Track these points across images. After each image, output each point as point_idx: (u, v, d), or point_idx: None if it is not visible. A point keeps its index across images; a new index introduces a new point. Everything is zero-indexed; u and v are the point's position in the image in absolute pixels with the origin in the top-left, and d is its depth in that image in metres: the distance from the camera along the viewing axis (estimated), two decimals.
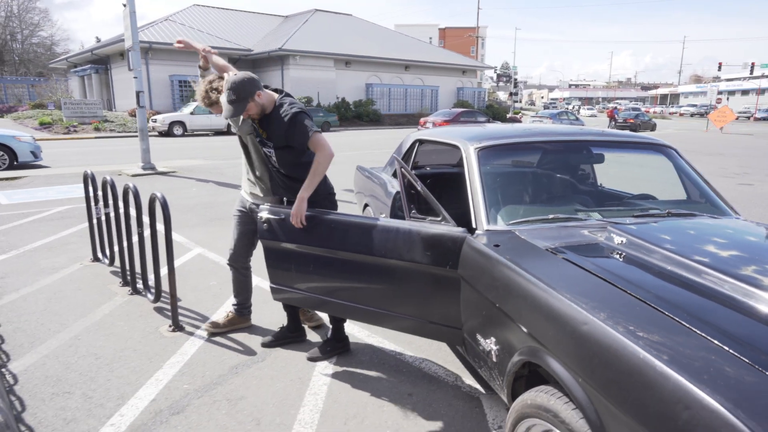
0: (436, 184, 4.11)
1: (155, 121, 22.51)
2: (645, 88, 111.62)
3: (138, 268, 4.28)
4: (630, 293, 1.63)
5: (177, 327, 3.54)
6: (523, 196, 2.75)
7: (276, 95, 2.91)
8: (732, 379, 1.20)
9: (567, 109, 49.59)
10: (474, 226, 2.44)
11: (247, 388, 2.81)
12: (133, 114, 26.53)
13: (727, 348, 1.32)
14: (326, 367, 3.04)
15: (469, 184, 2.59)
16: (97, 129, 23.59)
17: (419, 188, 2.53)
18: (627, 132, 3.49)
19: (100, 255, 5.09)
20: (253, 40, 35.49)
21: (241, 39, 34.71)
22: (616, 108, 37.46)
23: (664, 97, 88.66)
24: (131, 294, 4.18)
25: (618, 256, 1.99)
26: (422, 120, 23.72)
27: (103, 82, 34.98)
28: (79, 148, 16.67)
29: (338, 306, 2.75)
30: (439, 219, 2.47)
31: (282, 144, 2.83)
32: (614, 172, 4.39)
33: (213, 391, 2.78)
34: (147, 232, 4.44)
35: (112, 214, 4.54)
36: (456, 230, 2.35)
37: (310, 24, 36.50)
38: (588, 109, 64.24)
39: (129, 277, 4.29)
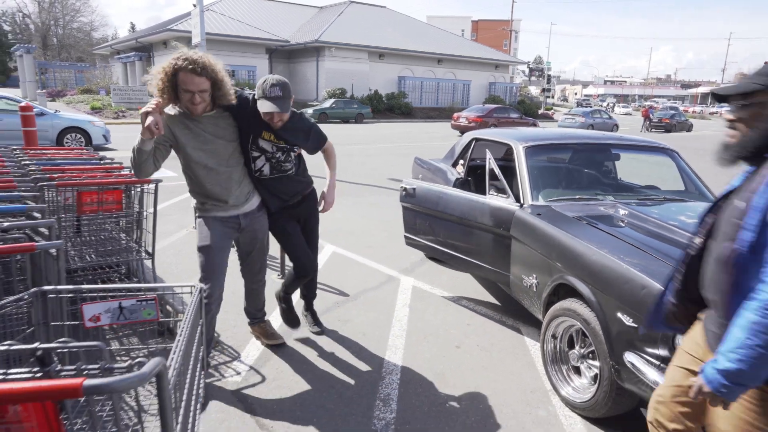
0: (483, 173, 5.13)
1: None
2: (685, 86, 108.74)
3: None
4: (623, 240, 2.66)
5: (284, 275, 4.65)
6: (557, 182, 3.76)
7: None
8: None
9: (601, 107, 49.48)
10: (522, 202, 3.47)
11: (349, 315, 3.90)
12: None
13: (669, 263, 2.35)
14: (404, 306, 4.11)
15: (519, 173, 3.61)
16: None
17: (498, 175, 3.59)
18: (640, 137, 4.45)
19: None
20: (289, 31, 36.66)
21: (278, 29, 35.91)
22: (651, 107, 37.23)
23: (705, 96, 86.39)
24: None
25: (621, 222, 3.00)
26: (456, 115, 24.54)
27: (145, 69, 36.59)
28: (132, 133, 18.04)
29: (441, 253, 4.02)
30: (506, 196, 3.52)
31: (299, 146, 3.02)
32: (631, 170, 5.33)
33: (326, 315, 3.87)
34: None
35: None
36: (512, 204, 3.40)
37: (345, 16, 37.48)
38: (623, 107, 63.41)
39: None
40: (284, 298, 3.43)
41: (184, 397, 1.33)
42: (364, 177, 10.25)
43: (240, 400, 2.80)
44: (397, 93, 34.69)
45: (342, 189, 9.00)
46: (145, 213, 3.62)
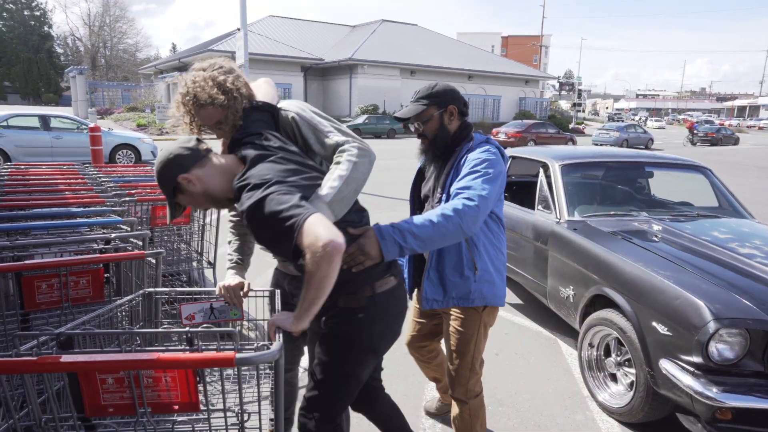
0: (519, 189, 5.31)
1: None
2: (721, 98, 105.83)
3: None
4: (657, 253, 2.83)
5: None
6: (593, 199, 3.93)
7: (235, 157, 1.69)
8: (703, 288, 2.40)
9: (633, 121, 48.83)
10: (558, 217, 3.65)
11: None
12: None
13: (702, 276, 2.51)
14: None
15: (555, 189, 3.80)
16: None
17: (546, 192, 3.81)
18: (671, 155, 4.57)
19: None
20: (324, 49, 37.60)
21: (313, 48, 36.89)
22: (697, 122, 36.81)
23: (741, 108, 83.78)
24: None
25: (655, 237, 3.16)
26: (494, 130, 24.89)
27: None
28: None
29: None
30: (550, 212, 3.71)
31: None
32: (667, 186, 5.43)
33: None
34: None
35: None
36: (549, 219, 3.59)
37: (378, 34, 38.24)
38: (656, 120, 62.29)
39: None
40: None
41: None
42: (399, 191, 10.51)
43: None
44: None
45: (378, 203, 9.27)
46: (208, 225, 3.95)
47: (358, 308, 1.67)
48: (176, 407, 1.22)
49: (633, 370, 2.74)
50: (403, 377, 3.29)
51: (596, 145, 25.01)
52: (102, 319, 1.54)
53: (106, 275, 2.00)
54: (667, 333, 2.43)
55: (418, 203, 2.36)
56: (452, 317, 2.24)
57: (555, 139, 23.83)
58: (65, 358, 1.07)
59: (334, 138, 1.72)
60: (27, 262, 1.82)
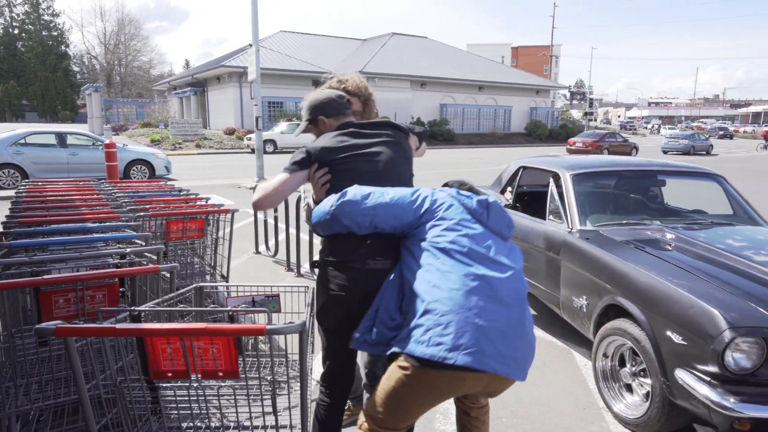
0: (532, 198, 5.30)
1: (249, 139, 24.95)
2: (735, 105, 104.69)
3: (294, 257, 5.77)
4: (670, 262, 2.80)
5: None
6: (605, 208, 3.92)
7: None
8: (718, 297, 2.38)
9: (647, 128, 48.83)
10: (569, 227, 3.64)
11: None
12: (228, 132, 29.58)
13: (717, 284, 2.49)
14: None
15: (566, 199, 3.79)
16: (198, 146, 26.49)
17: (558, 203, 3.80)
18: (684, 163, 4.54)
19: (261, 249, 6.66)
20: (334, 63, 37.92)
21: (324, 62, 37.23)
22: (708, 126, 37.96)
23: (756, 115, 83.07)
24: (297, 276, 5.66)
25: (669, 246, 3.13)
26: (571, 140, 27.93)
27: (200, 103, 38.67)
28: (190, 163, 19.16)
29: None
30: (562, 222, 3.70)
31: None
32: (682, 194, 5.39)
33: None
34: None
35: (270, 220, 6.07)
36: (561, 229, 3.58)
37: (388, 47, 38.54)
38: (669, 128, 61.90)
39: (294, 265, 5.79)
40: None
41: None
42: None
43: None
44: (439, 120, 35.18)
45: None
46: (221, 240, 3.99)
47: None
48: (221, 374, 1.45)
49: (649, 381, 2.71)
50: None
51: (665, 152, 28.27)
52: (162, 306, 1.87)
53: (121, 289, 2.04)
54: (682, 342, 2.40)
55: None
56: None
57: (623, 146, 27.05)
58: (132, 325, 1.37)
59: None
60: (45, 277, 1.87)
